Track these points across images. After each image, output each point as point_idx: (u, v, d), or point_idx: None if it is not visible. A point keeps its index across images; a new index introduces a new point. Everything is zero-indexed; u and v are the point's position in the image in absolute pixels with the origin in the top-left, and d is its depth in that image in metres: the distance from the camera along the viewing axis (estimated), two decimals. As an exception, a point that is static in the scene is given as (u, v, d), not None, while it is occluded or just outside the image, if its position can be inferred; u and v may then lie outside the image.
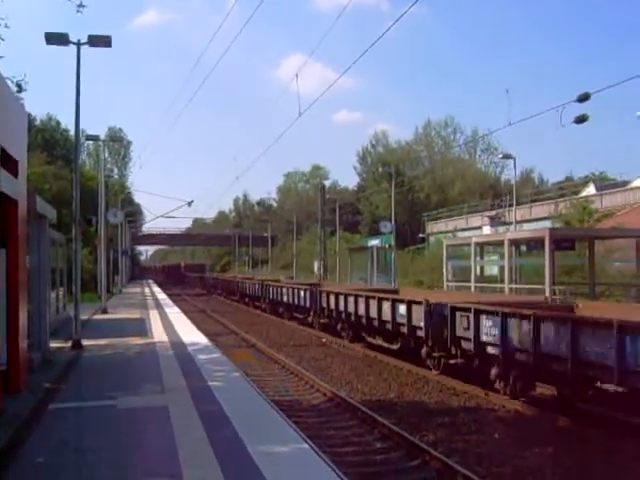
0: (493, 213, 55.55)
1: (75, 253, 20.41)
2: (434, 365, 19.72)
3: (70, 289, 39.68)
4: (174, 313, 33.75)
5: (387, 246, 45.34)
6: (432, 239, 66.62)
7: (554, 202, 52.37)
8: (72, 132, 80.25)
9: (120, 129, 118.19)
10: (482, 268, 33.06)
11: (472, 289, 30.92)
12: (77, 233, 20.11)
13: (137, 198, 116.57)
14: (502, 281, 29.49)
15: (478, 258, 32.05)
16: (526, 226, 47.59)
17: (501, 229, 46.11)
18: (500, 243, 30.52)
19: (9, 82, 20.90)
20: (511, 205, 40.98)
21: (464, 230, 59.58)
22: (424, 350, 19.99)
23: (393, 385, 18.84)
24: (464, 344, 17.62)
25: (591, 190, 55.18)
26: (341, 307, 27.27)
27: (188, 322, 28.63)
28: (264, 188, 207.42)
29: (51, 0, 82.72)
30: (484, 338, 16.50)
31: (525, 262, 30.85)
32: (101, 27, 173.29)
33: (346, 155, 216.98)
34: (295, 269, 75.34)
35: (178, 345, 19.66)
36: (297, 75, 24.23)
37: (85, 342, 19.72)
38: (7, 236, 12.08)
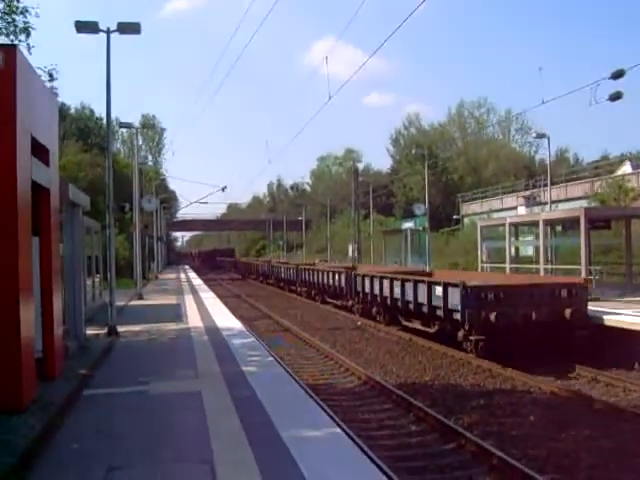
0: (528, 193, 54.94)
1: (109, 240, 20.52)
2: (471, 349, 19.68)
3: (106, 276, 40.27)
4: (209, 298, 33.92)
5: (421, 228, 45.11)
6: (466, 220, 66.07)
7: (589, 181, 51.63)
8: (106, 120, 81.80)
9: (153, 116, 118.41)
10: (517, 249, 32.73)
11: (507, 270, 30.66)
12: (110, 220, 20.20)
13: (172, 185, 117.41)
14: (537, 262, 29.18)
15: (513, 239, 31.75)
16: (561, 206, 47.00)
17: (536, 209, 45.58)
18: (535, 223, 30.13)
19: (40, 71, 21.11)
20: (546, 185, 40.45)
21: (499, 211, 59.04)
22: (461, 333, 20.00)
23: (428, 368, 18.80)
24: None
25: (627, 169, 54.19)
26: (376, 290, 27.44)
27: (223, 307, 28.73)
28: (298, 172, 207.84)
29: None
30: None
31: (560, 242, 30.44)
32: (131, 15, 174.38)
33: (379, 138, 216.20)
34: (329, 253, 75.32)
35: (212, 330, 19.73)
36: (326, 58, 24.12)
37: (121, 328, 19.85)
38: (40, 225, 12.13)
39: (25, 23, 20.11)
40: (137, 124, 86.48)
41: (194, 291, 40.78)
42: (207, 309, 27.14)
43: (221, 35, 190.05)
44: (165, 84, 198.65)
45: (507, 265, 30.57)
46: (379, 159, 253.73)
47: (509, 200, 60.80)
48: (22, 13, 20.02)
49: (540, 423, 12.88)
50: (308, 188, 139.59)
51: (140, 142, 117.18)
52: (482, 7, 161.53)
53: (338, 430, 8.57)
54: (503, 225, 31.66)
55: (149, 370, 13.50)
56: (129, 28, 19.50)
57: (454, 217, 70.12)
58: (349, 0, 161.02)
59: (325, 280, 36.85)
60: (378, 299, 27.44)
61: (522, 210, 50.63)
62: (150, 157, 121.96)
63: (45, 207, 12.25)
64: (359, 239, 58.08)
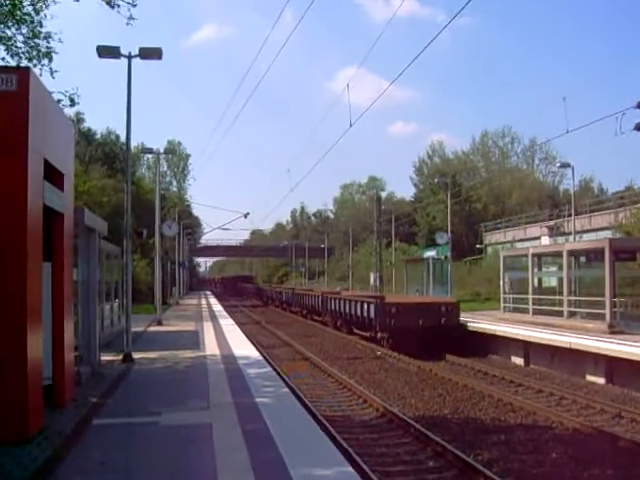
0: (551, 223, 54.38)
1: (126, 266, 20.38)
2: (383, 343, 30.64)
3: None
4: (228, 325, 33.65)
5: (443, 257, 44.73)
6: (490, 250, 65.60)
7: (614, 212, 51.02)
8: (131, 146, 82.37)
9: (179, 142, 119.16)
10: (540, 280, 32.23)
11: (530, 301, 30.24)
12: (128, 246, 20.05)
13: (196, 211, 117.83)
14: (561, 293, 28.69)
15: (536, 269, 31.31)
16: (586, 236, 46.47)
17: (560, 239, 45.05)
18: (558, 254, 29.72)
19: (62, 96, 21.07)
20: (570, 215, 40.00)
21: (522, 240, 58.51)
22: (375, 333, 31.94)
23: (448, 400, 18.47)
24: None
25: (653, 199, 53.58)
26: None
27: (241, 335, 28.46)
28: (321, 200, 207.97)
29: (104, 17, 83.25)
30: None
31: (584, 273, 29.93)
32: (158, 43, 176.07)
33: (402, 166, 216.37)
34: (351, 280, 75.02)
35: (229, 359, 19.44)
36: (347, 85, 24.07)
37: (137, 355, 19.64)
38: (53, 250, 11.99)
39: (48, 48, 20.04)
40: (163, 150, 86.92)
41: (214, 317, 40.56)
42: (225, 336, 26.86)
43: (247, 63, 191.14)
44: (191, 111, 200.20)
45: (530, 296, 30.13)
46: (403, 188, 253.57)
47: (532, 230, 60.25)
48: (45, 38, 19.96)
49: (562, 460, 12.49)
50: (331, 215, 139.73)
51: (165, 168, 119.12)
52: (506, 37, 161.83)
53: (350, 469, 8.23)
54: (526, 255, 31.25)
55: (161, 399, 13.21)
56: (151, 53, 19.48)
57: (477, 246, 69.62)
58: (375, 31, 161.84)
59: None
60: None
61: (545, 240, 50.09)
62: (175, 183, 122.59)
63: (58, 232, 12.11)
64: (381, 267, 57.72)
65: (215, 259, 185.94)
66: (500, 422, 15.88)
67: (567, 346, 22.15)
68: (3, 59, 18.53)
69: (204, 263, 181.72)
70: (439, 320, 30.05)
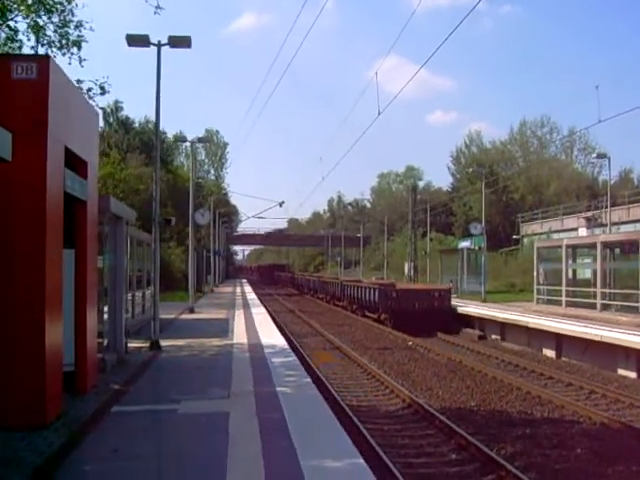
0: (589, 214, 53.58)
1: (154, 254, 20.45)
2: (386, 323, 36.05)
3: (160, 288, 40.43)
4: (259, 314, 33.70)
5: (477, 248, 44.34)
6: (526, 241, 64.86)
7: (653, 203, 50.24)
8: (169, 134, 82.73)
9: (217, 131, 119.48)
10: (574, 271, 31.79)
11: (563, 293, 29.88)
12: (156, 233, 20.13)
13: (233, 199, 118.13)
14: (595, 285, 28.29)
15: (570, 261, 30.89)
16: (624, 228, 45.74)
17: (597, 231, 44.39)
18: (593, 245, 29.27)
19: (93, 84, 21.24)
20: (607, 206, 39.44)
21: (559, 232, 57.73)
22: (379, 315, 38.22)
23: (475, 392, 18.31)
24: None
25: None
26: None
27: (271, 323, 28.51)
28: (359, 189, 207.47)
29: (140, 7, 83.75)
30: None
31: (619, 266, 29.44)
32: (197, 32, 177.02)
33: (441, 156, 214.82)
34: (385, 270, 74.78)
35: (256, 347, 19.46)
36: (376, 74, 23.93)
37: (164, 342, 19.73)
38: (76, 237, 12.07)
39: (79, 37, 20.22)
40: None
41: (246, 306, 40.66)
42: (255, 325, 26.92)
43: (284, 51, 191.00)
44: (230, 100, 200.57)
45: (563, 288, 29.75)
46: (441, 177, 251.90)
47: (570, 221, 59.45)
48: (77, 27, 20.14)
49: (586, 456, 12.28)
50: (368, 205, 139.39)
51: (203, 156, 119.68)
52: (547, 24, 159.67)
53: (361, 461, 8.15)
54: (560, 247, 30.82)
55: (183, 387, 13.26)
56: (180, 42, 19.49)
57: (514, 237, 68.94)
58: (416, 19, 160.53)
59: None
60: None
61: (583, 232, 49.35)
62: (212, 171, 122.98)
63: (81, 219, 12.17)
64: (415, 257, 57.43)
65: (252, 247, 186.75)
66: (526, 415, 15.68)
67: (598, 339, 21.81)
68: (33, 47, 18.73)
69: (241, 251, 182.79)
70: (433, 304, 35.43)
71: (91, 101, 21.25)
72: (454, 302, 37.15)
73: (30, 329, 9.49)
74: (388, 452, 12.19)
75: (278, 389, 12.80)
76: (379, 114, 23.62)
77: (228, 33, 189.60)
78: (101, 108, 22.71)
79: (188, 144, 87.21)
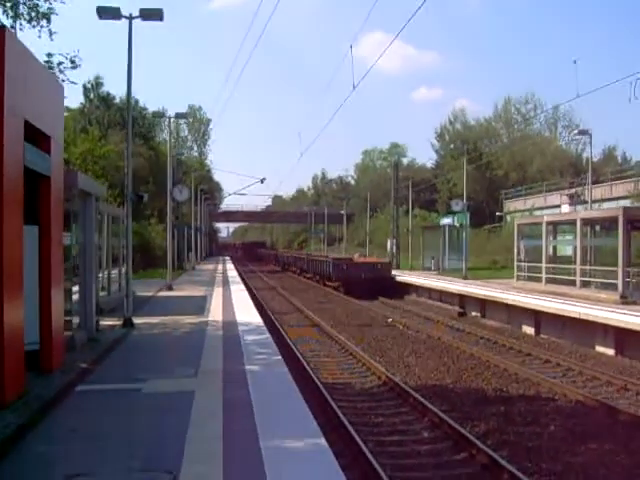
0: (572, 191, 53.50)
1: (126, 230, 20.16)
2: (338, 289, 44.59)
3: (134, 265, 40.17)
4: (238, 291, 33.54)
5: (458, 225, 44.21)
6: (509, 218, 64.88)
7: (635, 180, 50.13)
8: (151, 110, 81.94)
9: (199, 107, 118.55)
10: (555, 248, 31.72)
11: (543, 270, 29.83)
12: (128, 209, 19.83)
13: (217, 176, 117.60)
14: (575, 262, 28.24)
15: (551, 238, 30.82)
16: (606, 205, 45.73)
17: (580, 208, 44.33)
18: (572, 222, 29.19)
19: (63, 58, 20.86)
20: (589, 183, 39.37)
21: (542, 209, 57.61)
22: (332, 282, 47.09)
23: (452, 369, 18.27)
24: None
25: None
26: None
27: (249, 300, 28.34)
28: (344, 166, 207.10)
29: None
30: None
31: (599, 242, 29.39)
32: (181, 6, 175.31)
33: (425, 133, 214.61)
34: (368, 247, 74.71)
35: (230, 325, 19.31)
36: (351, 47, 23.79)
37: (138, 320, 19.55)
38: (40, 213, 11.80)
39: (49, 9, 19.82)
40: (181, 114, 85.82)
41: (226, 283, 40.49)
42: (232, 302, 26.74)
43: (269, 29, 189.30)
44: (213, 75, 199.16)
45: (543, 264, 29.68)
46: (425, 154, 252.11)
47: (553, 198, 59.42)
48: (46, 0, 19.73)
49: (560, 434, 12.22)
50: (352, 182, 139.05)
51: (185, 133, 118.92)
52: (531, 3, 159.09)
53: (323, 441, 7.99)
54: (540, 223, 30.72)
55: (151, 366, 13.09)
56: (151, 14, 19.12)
57: (497, 214, 68.94)
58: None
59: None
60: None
61: (566, 208, 49.25)
62: (195, 148, 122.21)
63: (44, 195, 11.88)
64: (397, 234, 57.28)
65: (237, 225, 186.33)
66: (502, 393, 15.64)
67: (576, 316, 21.78)
68: (-1, 21, 18.32)
69: (226, 229, 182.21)
70: (376, 274, 43.88)
71: (62, 75, 20.93)
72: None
73: (-15, 306, 9.23)
74: (360, 430, 12.08)
75: (247, 367, 12.66)
76: (354, 88, 23.46)
77: (212, 8, 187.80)
78: (74, 83, 22.16)
79: (172, 120, 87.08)
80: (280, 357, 14.05)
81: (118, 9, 18.81)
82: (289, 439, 7.96)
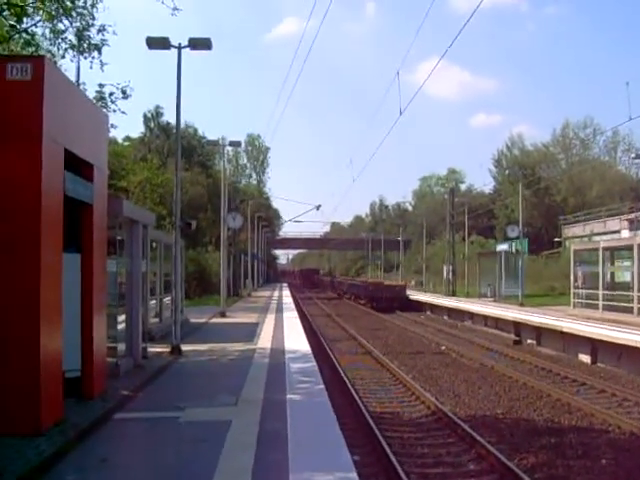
0: (632, 216, 52.38)
1: (175, 257, 20.23)
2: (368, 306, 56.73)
3: (188, 293, 40.41)
4: (291, 318, 33.39)
5: (515, 251, 43.58)
6: (568, 244, 63.86)
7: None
8: (209, 139, 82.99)
9: (258, 135, 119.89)
10: (612, 275, 30.96)
11: (600, 297, 29.11)
12: (177, 237, 19.92)
13: (275, 203, 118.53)
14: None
15: (608, 264, 30.10)
16: (668, 231, 44.70)
17: (640, 233, 43.36)
18: (630, 248, 28.44)
19: (114, 89, 21.24)
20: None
21: (601, 234, 56.55)
22: (366, 302, 59.06)
23: (503, 399, 17.83)
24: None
25: None
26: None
27: (300, 328, 28.18)
28: (401, 192, 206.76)
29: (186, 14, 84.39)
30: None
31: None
32: (241, 37, 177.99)
33: (484, 159, 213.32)
34: (424, 274, 74.17)
35: (277, 352, 19.19)
36: (398, 73, 23.72)
37: (187, 347, 19.57)
38: (82, 241, 11.90)
39: (102, 40, 20.20)
40: (244, 144, 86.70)
41: (280, 310, 40.49)
42: (283, 330, 26.65)
43: (329, 57, 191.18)
44: (272, 103, 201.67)
45: (600, 291, 28.98)
46: (483, 180, 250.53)
47: (613, 223, 58.28)
48: (99, 31, 20.12)
49: (611, 468, 11.76)
50: (410, 208, 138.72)
51: (245, 161, 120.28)
52: (591, 27, 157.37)
53: (354, 475, 7.78)
54: (597, 249, 30.04)
55: (192, 394, 13.04)
56: (200, 44, 19.30)
57: (555, 240, 67.87)
58: (458, 22, 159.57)
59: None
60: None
61: (625, 234, 48.27)
62: (254, 175, 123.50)
63: (87, 223, 11.97)
64: (454, 261, 56.77)
65: (297, 251, 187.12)
66: (553, 424, 15.15)
67: (635, 345, 21.13)
68: (49, 51, 18.71)
69: (285, 256, 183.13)
70: (394, 294, 56.57)
71: (113, 105, 21.32)
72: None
73: (24, 334, 9.30)
74: (404, 462, 11.83)
75: (288, 396, 12.51)
76: (401, 113, 23.35)
77: (271, 38, 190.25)
78: (124, 113, 22.49)
79: (229, 148, 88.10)
80: (323, 386, 13.83)
81: (167, 39, 19.04)
82: (319, 472, 7.78)
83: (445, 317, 44.99)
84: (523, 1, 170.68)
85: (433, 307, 50.35)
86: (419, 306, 53.03)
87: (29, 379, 9.29)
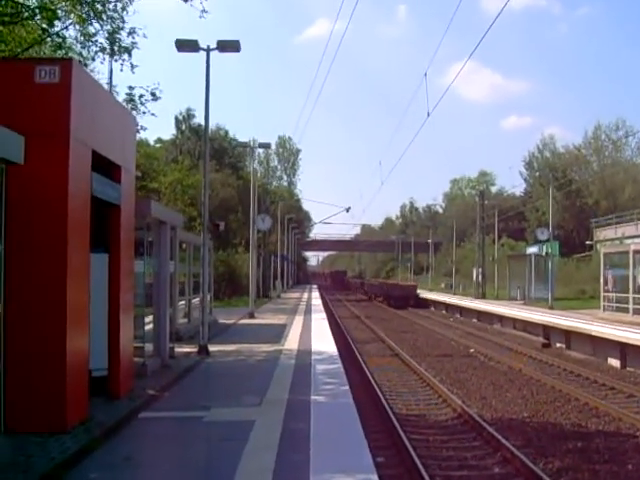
0: (664, 219, 51.82)
1: (203, 259, 20.36)
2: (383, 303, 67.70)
3: (217, 294, 40.61)
4: (319, 319, 33.40)
5: (545, 253, 43.27)
6: (599, 246, 63.28)
7: None
8: (241, 140, 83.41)
9: (289, 138, 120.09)
10: (645, 278, 30.62)
11: (630, 300, 28.80)
12: (205, 238, 20.05)
13: (306, 206, 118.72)
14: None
15: (639, 267, 29.77)
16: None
17: (673, 236, 42.84)
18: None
19: (144, 91, 21.46)
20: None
21: (633, 237, 55.86)
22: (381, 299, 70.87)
23: (530, 402, 17.68)
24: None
25: None
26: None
27: (327, 329, 28.18)
28: (432, 194, 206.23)
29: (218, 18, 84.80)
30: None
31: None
32: (272, 39, 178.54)
33: (515, 161, 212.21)
34: (454, 276, 73.87)
35: (304, 354, 19.25)
36: (425, 74, 23.59)
37: (214, 347, 19.67)
38: (110, 241, 12.03)
39: (132, 43, 20.40)
40: (274, 145, 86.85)
41: (308, 312, 40.54)
42: (310, 331, 26.70)
43: (360, 59, 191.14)
44: (303, 105, 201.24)
45: (630, 295, 28.67)
46: (514, 183, 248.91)
47: (645, 226, 57.68)
48: (129, 34, 20.33)
49: (637, 473, 11.62)
50: (440, 210, 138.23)
51: (276, 163, 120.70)
52: (622, 28, 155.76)
53: (375, 477, 7.79)
54: (627, 252, 29.72)
55: (218, 394, 13.14)
56: (229, 46, 19.43)
57: (587, 243, 67.25)
58: (485, 21, 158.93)
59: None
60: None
61: (657, 237, 47.74)
62: (285, 177, 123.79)
63: (115, 224, 12.11)
64: (484, 264, 56.47)
65: (327, 253, 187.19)
66: (580, 428, 14.99)
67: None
68: (80, 54, 18.93)
69: (315, 257, 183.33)
70: (405, 292, 66.06)
71: (143, 107, 21.55)
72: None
73: (51, 332, 9.43)
74: (429, 465, 11.80)
75: (312, 397, 12.55)
76: (428, 115, 23.27)
77: (302, 39, 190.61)
78: (154, 115, 22.71)
79: (260, 150, 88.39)
80: (347, 387, 13.86)
81: (196, 41, 19.20)
82: (340, 474, 7.79)
83: (474, 320, 44.78)
84: (556, 2, 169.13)
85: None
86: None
87: (55, 378, 9.43)
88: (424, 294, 67.41)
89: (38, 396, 9.35)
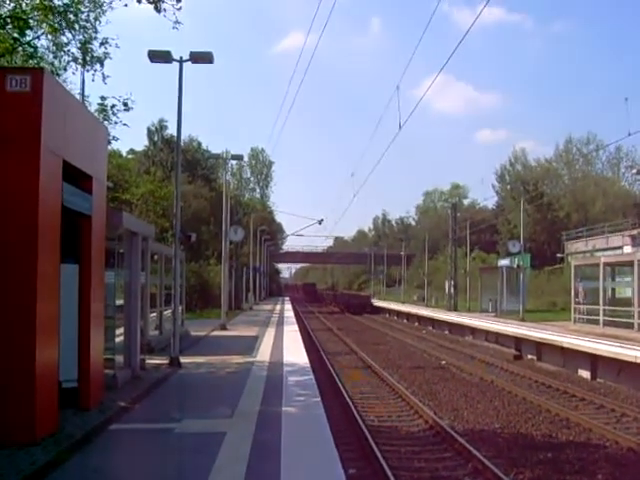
0: (635, 232, 52.37)
1: (174, 270, 20.30)
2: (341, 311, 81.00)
3: (190, 305, 40.39)
4: (291, 331, 33.35)
5: (516, 266, 43.60)
6: (570, 259, 63.91)
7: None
8: (214, 152, 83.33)
9: (262, 149, 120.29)
10: (613, 290, 30.95)
11: (600, 312, 29.08)
12: (176, 249, 19.99)
13: (279, 218, 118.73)
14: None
15: (609, 280, 30.10)
16: (670, 246, 44.68)
17: (641, 249, 43.38)
18: (630, 264, 28.44)
19: (116, 101, 21.37)
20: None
21: (604, 250, 56.51)
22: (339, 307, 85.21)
23: (501, 414, 17.78)
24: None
25: None
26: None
27: (299, 342, 28.15)
28: (405, 207, 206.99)
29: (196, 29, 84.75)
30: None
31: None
32: (246, 51, 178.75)
33: (488, 174, 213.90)
34: (426, 288, 74.17)
35: (275, 365, 19.22)
36: (397, 87, 23.88)
37: (186, 359, 19.57)
38: (81, 252, 11.95)
39: (105, 54, 20.35)
40: (246, 157, 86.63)
41: (280, 323, 40.51)
42: (282, 343, 26.66)
43: (331, 71, 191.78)
44: (276, 117, 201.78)
45: (600, 307, 28.96)
46: (486, 195, 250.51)
47: (615, 239, 58.24)
48: (102, 44, 20.27)
49: (606, 483, 11.72)
50: (413, 223, 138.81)
51: (248, 174, 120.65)
52: (595, 43, 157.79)
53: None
54: (598, 265, 30.04)
55: (189, 406, 13.04)
56: (202, 58, 19.45)
57: (558, 255, 67.84)
58: (457, 36, 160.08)
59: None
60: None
61: (628, 250, 48.25)
62: (258, 189, 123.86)
63: (86, 235, 12.03)
64: (456, 276, 56.75)
65: (299, 265, 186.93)
66: (551, 439, 15.10)
67: (634, 360, 21.08)
68: (52, 64, 18.84)
69: (288, 270, 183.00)
70: (361, 301, 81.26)
71: (114, 117, 21.49)
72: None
73: (20, 343, 9.34)
74: (400, 476, 11.82)
75: (284, 409, 12.52)
76: (400, 127, 23.50)
77: (276, 51, 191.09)
78: (127, 125, 22.65)
79: (233, 162, 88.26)
80: (319, 399, 13.85)
81: (169, 52, 19.17)
82: (310, 485, 7.80)
83: (446, 332, 44.92)
84: (528, 18, 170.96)
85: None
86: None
87: (24, 389, 9.33)
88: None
89: (7, 408, 9.25)
